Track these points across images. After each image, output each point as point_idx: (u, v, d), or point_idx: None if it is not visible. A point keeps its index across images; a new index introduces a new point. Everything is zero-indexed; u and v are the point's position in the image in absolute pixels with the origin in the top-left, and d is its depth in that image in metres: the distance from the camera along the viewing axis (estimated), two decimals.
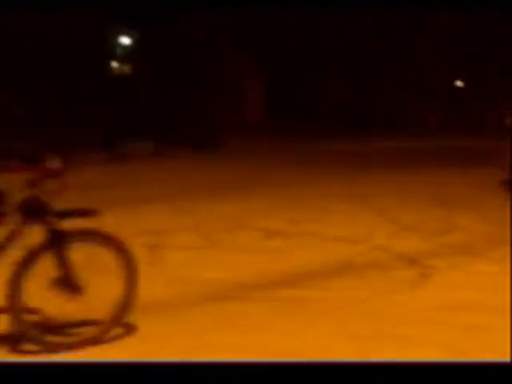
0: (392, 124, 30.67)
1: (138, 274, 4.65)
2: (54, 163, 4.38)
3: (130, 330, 4.72)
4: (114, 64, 28.70)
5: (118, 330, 4.66)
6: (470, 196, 11.74)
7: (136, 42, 28.53)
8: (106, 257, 4.59)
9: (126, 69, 29.07)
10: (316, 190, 12.46)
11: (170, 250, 7.50)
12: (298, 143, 24.35)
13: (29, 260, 4.29)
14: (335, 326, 5.04)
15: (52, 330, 4.61)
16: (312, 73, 30.44)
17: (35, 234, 4.39)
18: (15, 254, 4.35)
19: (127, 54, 28.89)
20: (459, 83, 36.51)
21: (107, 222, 5.06)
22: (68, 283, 4.41)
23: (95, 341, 4.48)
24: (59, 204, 4.43)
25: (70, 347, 4.40)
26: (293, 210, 10.17)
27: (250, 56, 27.09)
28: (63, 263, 4.38)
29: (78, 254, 4.50)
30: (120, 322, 4.66)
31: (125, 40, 28.80)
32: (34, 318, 4.51)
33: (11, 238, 4.32)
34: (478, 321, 5.17)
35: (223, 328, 4.94)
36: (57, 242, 4.36)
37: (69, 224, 4.43)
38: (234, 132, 24.35)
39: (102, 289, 4.66)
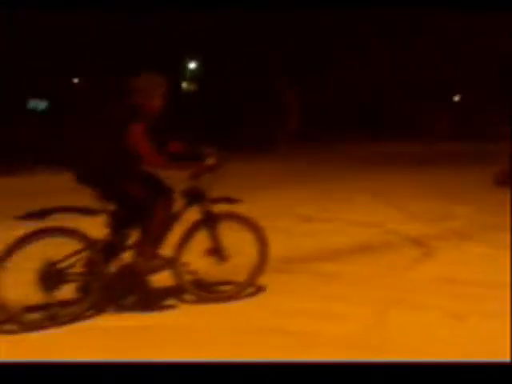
0: (402, 132, 30.05)
1: (268, 247, 4.95)
2: (211, 160, 4.65)
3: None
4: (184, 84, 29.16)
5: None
6: (470, 191, 11.47)
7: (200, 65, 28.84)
8: (244, 233, 4.90)
9: (193, 87, 29.39)
10: (343, 185, 12.38)
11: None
12: (327, 146, 24.13)
13: (190, 232, 4.72)
14: (363, 291, 5.10)
15: (203, 286, 4.95)
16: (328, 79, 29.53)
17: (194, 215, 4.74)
18: (180, 228, 4.69)
19: (193, 75, 29.25)
20: (457, 98, 35.48)
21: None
22: (217, 252, 4.78)
23: (234, 296, 4.86)
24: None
25: (216, 299, 4.81)
26: (325, 201, 10.06)
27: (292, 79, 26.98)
28: (214, 237, 4.76)
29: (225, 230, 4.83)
30: (253, 283, 4.99)
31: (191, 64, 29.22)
32: (190, 276, 4.78)
33: (177, 216, 4.65)
34: (477, 291, 5.13)
35: (275, 292, 5.02)
36: (210, 221, 4.74)
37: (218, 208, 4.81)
38: (282, 139, 24.53)
39: (241, 258, 5.02)
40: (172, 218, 4.61)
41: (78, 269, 4.30)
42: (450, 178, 13.62)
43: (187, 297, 4.79)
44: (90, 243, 4.33)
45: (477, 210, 9.24)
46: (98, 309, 4.44)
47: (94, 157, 4.35)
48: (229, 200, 4.85)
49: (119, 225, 4.47)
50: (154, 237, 4.50)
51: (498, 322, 4.37)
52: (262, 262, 4.94)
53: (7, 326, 4.09)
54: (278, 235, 7.23)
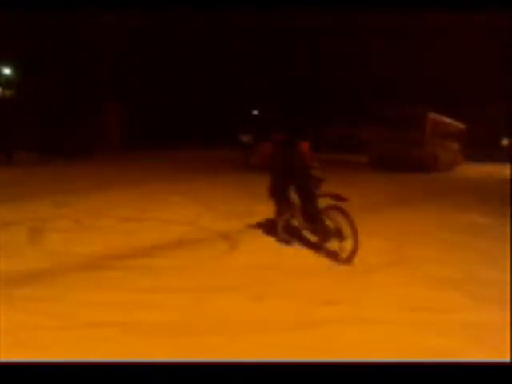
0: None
1: (357, 233, 5.81)
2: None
3: None
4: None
5: None
6: None
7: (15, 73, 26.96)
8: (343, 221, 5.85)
9: (8, 93, 27.28)
10: (160, 187, 12.21)
11: (49, 232, 7.11)
12: (150, 154, 24.26)
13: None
14: (179, 281, 5.10)
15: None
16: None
17: None
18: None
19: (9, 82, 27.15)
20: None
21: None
22: (337, 233, 6.04)
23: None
24: None
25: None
26: (142, 202, 9.89)
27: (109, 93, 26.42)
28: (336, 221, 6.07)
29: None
30: (352, 260, 5.94)
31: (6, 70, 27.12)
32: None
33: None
34: (271, 274, 5.39)
35: (95, 287, 4.88)
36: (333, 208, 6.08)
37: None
38: (100, 151, 23.96)
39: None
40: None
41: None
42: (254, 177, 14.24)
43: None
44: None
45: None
46: None
47: None
48: (336, 197, 6.03)
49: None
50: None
51: (292, 301, 4.66)
52: (355, 244, 5.88)
53: None
54: (99, 234, 7.10)
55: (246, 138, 25.87)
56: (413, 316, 4.34)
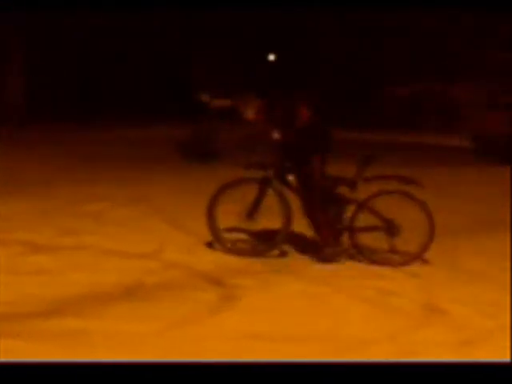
0: None
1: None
2: None
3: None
4: None
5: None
6: None
7: None
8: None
9: None
10: (91, 190, 12.36)
11: None
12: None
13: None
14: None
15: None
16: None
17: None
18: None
19: None
20: None
21: None
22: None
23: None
24: None
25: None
26: (63, 217, 9.93)
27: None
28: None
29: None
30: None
31: None
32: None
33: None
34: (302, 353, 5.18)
35: None
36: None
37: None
38: None
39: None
40: None
41: None
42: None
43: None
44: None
45: None
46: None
47: None
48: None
49: None
50: None
51: None
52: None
53: None
54: None
55: (207, 98, 24.90)
56: None
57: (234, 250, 8.11)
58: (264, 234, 8.47)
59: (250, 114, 8.49)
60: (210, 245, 8.46)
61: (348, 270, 7.65)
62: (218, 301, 6.51)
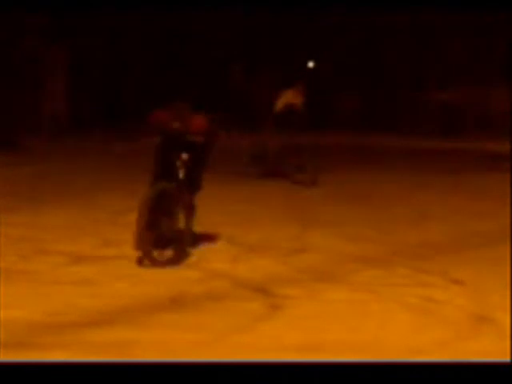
0: None
1: None
2: None
3: None
4: None
5: None
6: None
7: None
8: None
9: None
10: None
11: None
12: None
13: None
14: None
15: None
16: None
17: None
18: None
19: None
20: None
21: None
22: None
23: None
24: None
25: None
26: (107, 227, 10.01)
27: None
28: None
29: None
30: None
31: None
32: None
33: None
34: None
35: None
36: None
37: None
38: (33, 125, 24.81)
39: None
40: None
41: None
42: None
43: None
44: None
45: None
46: None
47: None
48: None
49: None
50: None
51: None
52: None
53: None
54: (32, 287, 6.98)
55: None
56: None
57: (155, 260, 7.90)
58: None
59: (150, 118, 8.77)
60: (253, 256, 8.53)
61: (390, 277, 7.62)
62: (264, 310, 6.50)
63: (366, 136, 29.95)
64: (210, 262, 8.19)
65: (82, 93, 29.01)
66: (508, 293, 6.88)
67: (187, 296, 6.89)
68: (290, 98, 15.15)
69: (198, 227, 9.60)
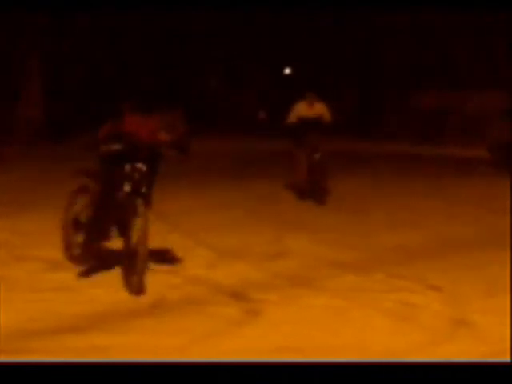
0: None
1: None
2: None
3: None
4: None
5: None
6: None
7: None
8: None
9: None
10: None
11: None
12: None
13: None
14: None
15: None
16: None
17: None
18: None
19: None
20: None
21: None
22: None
23: None
24: None
25: None
26: None
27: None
28: None
29: None
30: None
31: None
32: None
33: None
34: None
35: None
36: None
37: None
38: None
39: None
40: None
41: None
42: None
43: None
44: None
45: None
46: None
47: None
48: None
49: None
50: None
51: None
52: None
53: None
54: (10, 295, 6.88)
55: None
56: None
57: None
58: None
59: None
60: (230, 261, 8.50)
61: (368, 282, 7.65)
62: (242, 315, 6.51)
63: (347, 141, 29.84)
64: (187, 268, 8.13)
65: (58, 98, 28.89)
66: (482, 295, 7.08)
67: (165, 301, 6.87)
68: (302, 110, 14.06)
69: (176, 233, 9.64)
